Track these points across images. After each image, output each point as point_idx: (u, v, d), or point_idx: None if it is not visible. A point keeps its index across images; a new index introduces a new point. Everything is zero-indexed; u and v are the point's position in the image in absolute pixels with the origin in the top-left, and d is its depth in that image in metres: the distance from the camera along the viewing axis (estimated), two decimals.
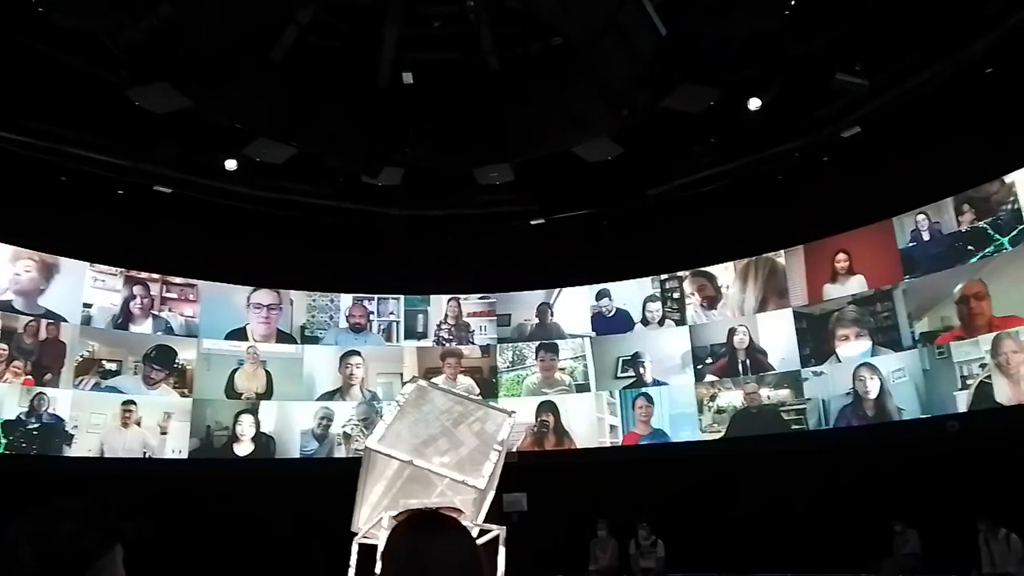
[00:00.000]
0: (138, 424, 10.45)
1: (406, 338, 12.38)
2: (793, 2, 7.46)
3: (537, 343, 12.31)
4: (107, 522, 1.39)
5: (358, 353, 12.04)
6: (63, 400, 9.94)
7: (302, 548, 9.15)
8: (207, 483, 10.28)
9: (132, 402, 10.46)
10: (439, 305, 12.57)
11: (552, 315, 12.42)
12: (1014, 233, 9.02)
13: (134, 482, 9.50)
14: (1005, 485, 8.02)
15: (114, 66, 8.19)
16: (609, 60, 7.53)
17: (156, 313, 10.97)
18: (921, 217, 9.99)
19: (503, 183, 10.48)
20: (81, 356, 10.22)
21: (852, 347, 10.34)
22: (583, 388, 11.98)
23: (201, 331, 11.25)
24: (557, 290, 12.49)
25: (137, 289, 10.89)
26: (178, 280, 11.26)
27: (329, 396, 11.76)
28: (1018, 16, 8.03)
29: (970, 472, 8.45)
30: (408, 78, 8.70)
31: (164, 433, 10.60)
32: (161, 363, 10.78)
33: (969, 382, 9.19)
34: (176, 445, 10.67)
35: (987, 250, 9.26)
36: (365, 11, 8.37)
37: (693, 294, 11.75)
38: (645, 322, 12.00)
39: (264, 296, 11.70)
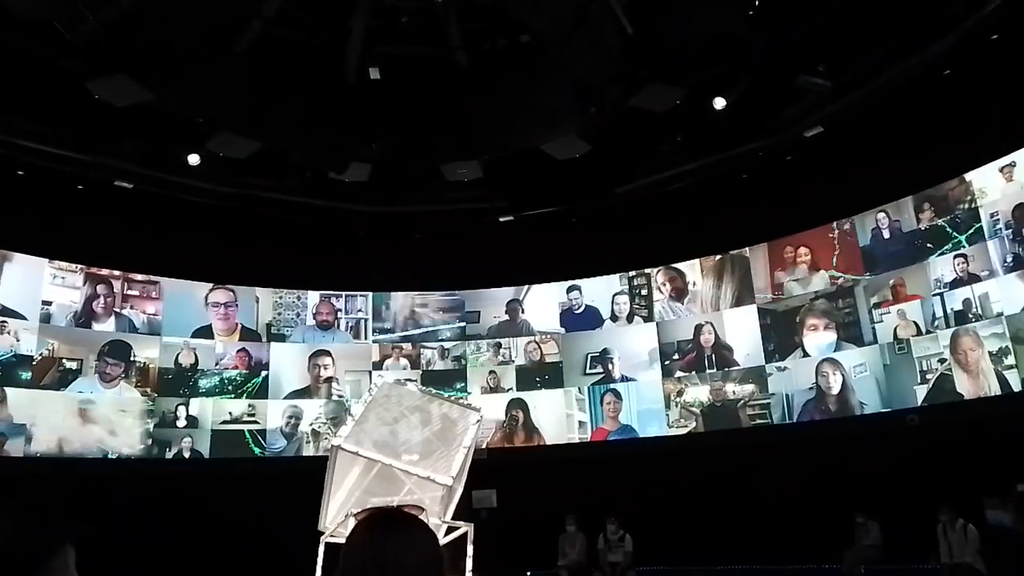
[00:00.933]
0: (96, 422, 10.23)
1: (374, 335, 12.31)
2: (757, 2, 7.55)
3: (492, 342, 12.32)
4: (55, 522, 1.37)
5: (328, 353, 11.94)
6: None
7: (271, 547, 9.05)
8: (172, 482, 10.14)
9: (91, 401, 10.25)
10: (402, 301, 12.51)
11: (522, 312, 12.45)
12: (971, 231, 9.23)
13: (93, 481, 9.32)
14: (963, 476, 8.22)
15: (73, 57, 7.99)
16: (577, 58, 7.56)
17: (118, 311, 10.75)
18: (882, 215, 10.19)
19: (472, 179, 10.45)
20: (40, 354, 9.98)
21: (819, 338, 10.50)
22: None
23: (164, 329, 11.05)
24: (527, 287, 12.51)
25: (100, 288, 10.67)
26: (140, 277, 11.04)
27: (297, 395, 11.64)
28: (975, 19, 8.22)
29: (929, 464, 8.65)
30: (375, 73, 8.62)
31: (115, 433, 10.38)
32: (116, 358, 10.55)
33: (929, 376, 9.40)
34: (132, 443, 10.48)
35: (944, 248, 9.47)
36: (331, 4, 8.28)
37: (664, 284, 11.89)
38: (614, 318, 12.09)
39: (220, 295, 11.54)
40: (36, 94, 8.80)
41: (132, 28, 7.48)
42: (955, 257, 9.34)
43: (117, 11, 7.32)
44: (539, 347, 12.25)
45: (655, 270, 12.00)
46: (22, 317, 9.92)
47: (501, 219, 11.90)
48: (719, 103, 9.28)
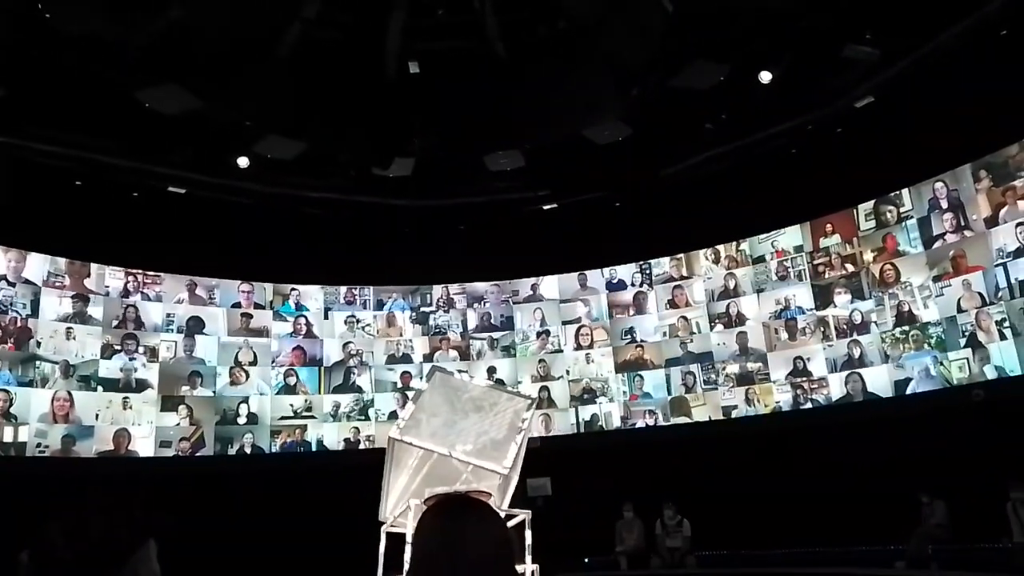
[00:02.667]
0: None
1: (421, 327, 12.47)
2: None
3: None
4: (138, 517, 1.41)
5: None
6: None
7: (333, 538, 9.23)
8: (234, 478, 10.42)
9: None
10: (449, 293, 12.62)
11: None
12: None
13: (159, 478, 9.65)
14: None
15: (122, 69, 8.22)
16: (616, 40, 7.47)
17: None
18: (940, 185, 9.85)
19: (514, 169, 10.45)
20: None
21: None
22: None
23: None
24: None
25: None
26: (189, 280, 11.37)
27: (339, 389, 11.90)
28: None
29: (998, 441, 8.38)
30: (415, 68, 8.67)
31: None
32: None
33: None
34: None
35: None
36: (369, 2, 8.34)
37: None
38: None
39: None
40: (88, 107, 9.05)
41: (178, 38, 7.66)
42: (1017, 226, 8.98)
43: (164, 22, 7.50)
44: (591, 333, 12.21)
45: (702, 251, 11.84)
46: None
47: (545, 207, 11.88)
48: (765, 77, 9.07)
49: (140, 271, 10.96)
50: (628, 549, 9.99)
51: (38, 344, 9.90)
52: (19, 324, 9.81)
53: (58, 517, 1.41)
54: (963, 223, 9.60)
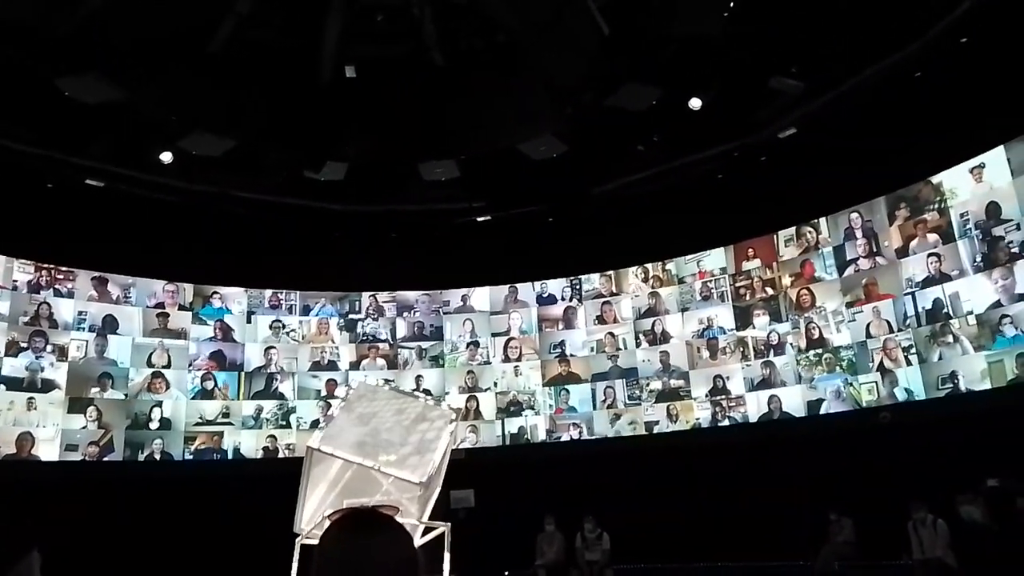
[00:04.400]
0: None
1: (348, 334, 12.27)
2: (732, 4, 7.61)
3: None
4: (17, 529, 1.34)
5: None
6: None
7: (248, 549, 8.95)
8: (146, 485, 10.01)
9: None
10: (378, 302, 12.47)
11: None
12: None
13: (66, 484, 9.18)
14: (934, 473, 8.36)
15: (44, 56, 7.85)
16: (553, 58, 7.57)
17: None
18: (855, 215, 10.31)
19: (449, 179, 10.43)
20: None
21: None
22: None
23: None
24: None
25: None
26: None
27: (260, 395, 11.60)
28: (946, 22, 8.36)
29: (901, 461, 8.78)
30: (351, 72, 8.58)
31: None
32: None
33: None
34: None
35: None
36: (306, 3, 8.22)
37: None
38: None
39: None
40: (6, 93, 8.62)
41: (103, 27, 7.38)
42: (928, 256, 9.48)
43: (87, 10, 7.21)
44: (520, 346, 12.25)
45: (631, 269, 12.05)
46: None
47: (478, 219, 11.89)
48: (695, 104, 9.34)
49: (52, 266, 10.44)
50: (548, 563, 10.02)
51: None
52: None
53: None
54: (875, 251, 10.07)
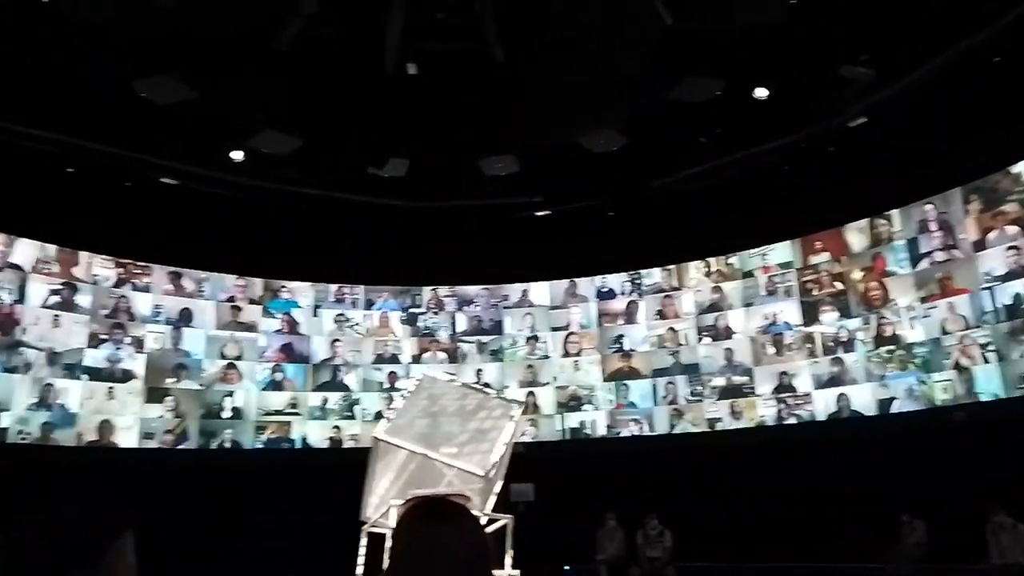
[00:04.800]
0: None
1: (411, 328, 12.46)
2: None
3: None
4: (114, 509, 1.40)
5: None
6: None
7: (315, 537, 9.20)
8: (215, 472, 10.36)
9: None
10: (438, 296, 12.61)
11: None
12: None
13: (144, 470, 9.59)
14: (1015, 475, 8.01)
15: (120, 58, 8.18)
16: (615, 50, 7.51)
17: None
18: (929, 207, 9.94)
19: (508, 174, 10.46)
20: None
21: None
22: None
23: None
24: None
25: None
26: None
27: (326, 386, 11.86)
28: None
29: (979, 463, 8.44)
30: (413, 68, 8.67)
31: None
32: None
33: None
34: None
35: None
36: (369, 2, 8.35)
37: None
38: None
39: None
40: (84, 94, 9.01)
41: (175, 28, 7.64)
42: (1008, 249, 9.07)
43: (161, 12, 7.48)
44: (579, 340, 12.22)
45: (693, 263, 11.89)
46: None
47: (538, 214, 11.89)
48: (760, 93, 9.12)
49: (130, 261, 10.90)
50: (608, 558, 9.99)
51: (23, 331, 9.83)
52: (4, 310, 9.74)
53: (30, 508, 1.39)
54: (951, 244, 9.68)
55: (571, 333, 12.31)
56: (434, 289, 12.64)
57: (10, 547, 1.36)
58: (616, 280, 12.35)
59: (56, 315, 10.15)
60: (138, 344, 10.74)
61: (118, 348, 10.55)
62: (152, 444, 10.52)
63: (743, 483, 10.12)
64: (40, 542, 1.32)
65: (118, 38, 7.80)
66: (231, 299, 11.60)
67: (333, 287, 12.30)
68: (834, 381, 10.48)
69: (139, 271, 10.98)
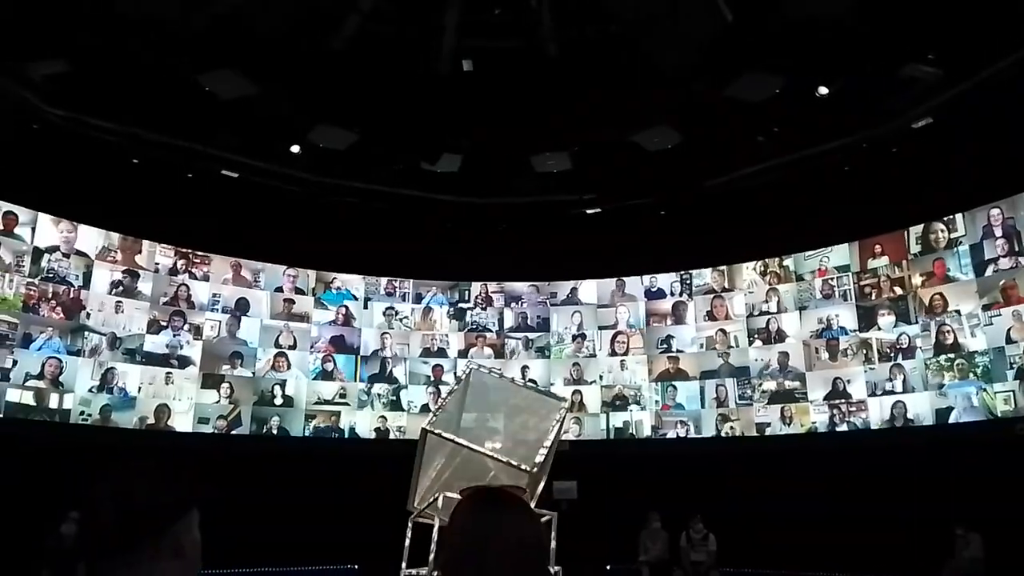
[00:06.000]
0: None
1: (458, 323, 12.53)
2: None
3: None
4: (183, 484, 1.45)
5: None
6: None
7: (360, 526, 9.35)
8: (263, 459, 10.60)
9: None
10: (487, 291, 12.67)
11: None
12: None
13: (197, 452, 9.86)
14: None
15: (180, 53, 8.41)
16: (671, 46, 7.43)
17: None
18: (995, 211, 9.59)
19: (560, 171, 10.44)
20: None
21: None
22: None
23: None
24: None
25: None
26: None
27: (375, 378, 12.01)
28: None
29: None
30: (468, 65, 8.73)
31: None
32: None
33: None
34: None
35: None
36: None
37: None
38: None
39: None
40: (149, 87, 9.28)
41: (236, 24, 7.82)
42: None
43: (222, 7, 7.67)
44: (627, 340, 12.15)
45: (746, 265, 11.70)
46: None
47: (588, 211, 11.85)
48: (822, 91, 8.92)
49: (190, 251, 11.23)
50: (651, 559, 9.92)
51: (88, 315, 10.20)
52: (71, 294, 10.12)
53: (106, 478, 1.44)
54: (1017, 250, 9.33)
55: (618, 332, 12.24)
56: (483, 284, 12.70)
57: (87, 517, 1.41)
58: (666, 280, 12.24)
59: (118, 301, 10.50)
60: (196, 331, 11.04)
61: (176, 335, 10.87)
62: (207, 429, 10.81)
63: (792, 490, 9.92)
64: (113, 514, 1.37)
65: (183, 34, 8.02)
66: (285, 289, 11.84)
67: (384, 280, 12.45)
68: (890, 388, 10.21)
69: (198, 260, 11.29)
